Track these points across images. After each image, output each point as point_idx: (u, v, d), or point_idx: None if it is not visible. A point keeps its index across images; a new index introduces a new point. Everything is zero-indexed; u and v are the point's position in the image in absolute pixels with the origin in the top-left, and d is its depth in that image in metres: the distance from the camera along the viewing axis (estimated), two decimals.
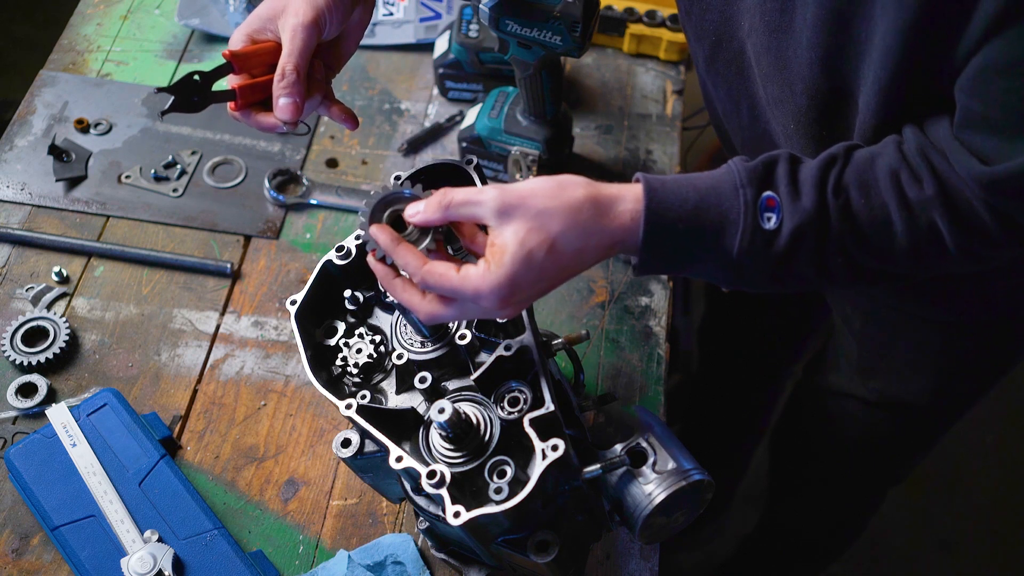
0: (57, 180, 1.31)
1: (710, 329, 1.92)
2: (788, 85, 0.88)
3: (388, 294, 0.88)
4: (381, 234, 0.77)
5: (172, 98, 0.85)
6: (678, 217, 0.76)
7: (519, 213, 0.75)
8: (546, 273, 0.76)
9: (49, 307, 1.20)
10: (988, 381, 1.23)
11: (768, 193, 0.77)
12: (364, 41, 1.49)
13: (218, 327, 1.21)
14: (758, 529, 1.93)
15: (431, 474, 0.77)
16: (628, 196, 0.77)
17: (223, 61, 0.87)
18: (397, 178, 0.96)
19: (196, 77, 0.85)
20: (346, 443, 0.87)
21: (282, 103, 0.85)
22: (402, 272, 0.79)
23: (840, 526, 1.70)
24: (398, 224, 0.80)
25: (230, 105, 0.87)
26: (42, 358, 1.14)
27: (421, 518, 0.95)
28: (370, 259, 0.80)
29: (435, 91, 1.44)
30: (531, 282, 0.76)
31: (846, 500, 1.60)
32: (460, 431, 0.82)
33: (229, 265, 1.24)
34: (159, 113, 0.99)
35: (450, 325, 0.90)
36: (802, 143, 0.93)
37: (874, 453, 1.42)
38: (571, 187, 0.77)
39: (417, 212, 0.78)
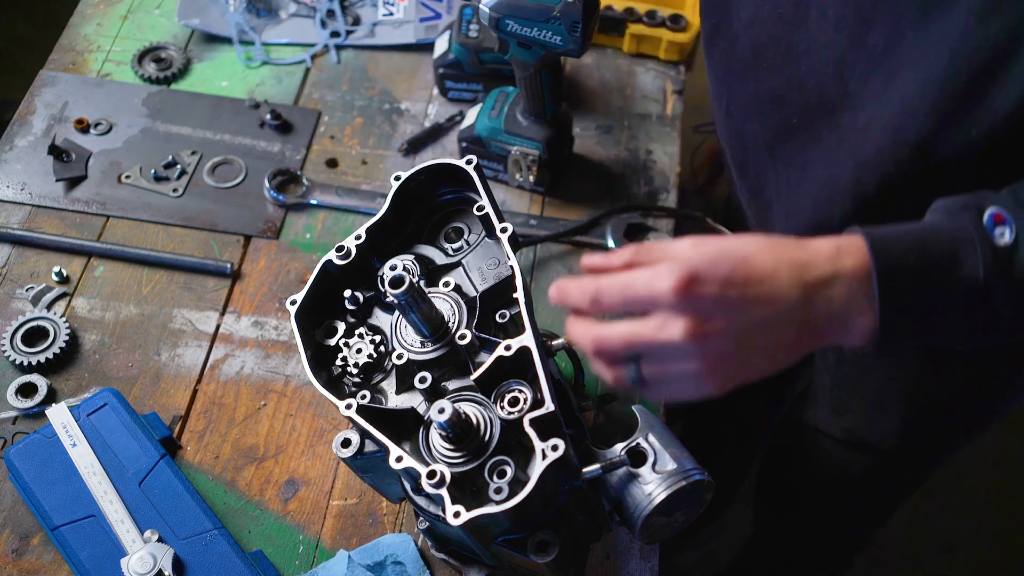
0: (57, 180, 1.31)
1: None
2: (786, 83, 0.86)
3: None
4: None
5: None
6: (905, 248, 0.67)
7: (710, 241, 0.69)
8: (736, 281, 0.66)
9: (49, 307, 1.20)
10: (960, 431, 1.18)
11: (993, 209, 0.68)
12: (364, 41, 1.50)
13: (218, 327, 1.21)
14: (747, 552, 1.93)
15: (431, 474, 0.77)
16: (830, 242, 0.69)
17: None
18: (397, 178, 0.96)
19: None
20: (346, 443, 0.87)
21: None
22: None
23: (826, 561, 1.68)
24: None
25: None
26: (42, 358, 1.14)
27: (421, 518, 0.95)
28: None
29: (435, 91, 1.44)
30: (716, 280, 0.65)
31: (830, 536, 1.58)
32: (460, 431, 0.82)
33: (229, 265, 1.24)
34: None
35: (450, 325, 0.90)
36: (786, 156, 0.91)
37: (851, 493, 1.38)
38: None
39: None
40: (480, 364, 0.85)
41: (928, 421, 1.15)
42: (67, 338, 1.16)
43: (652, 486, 0.85)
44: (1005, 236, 0.67)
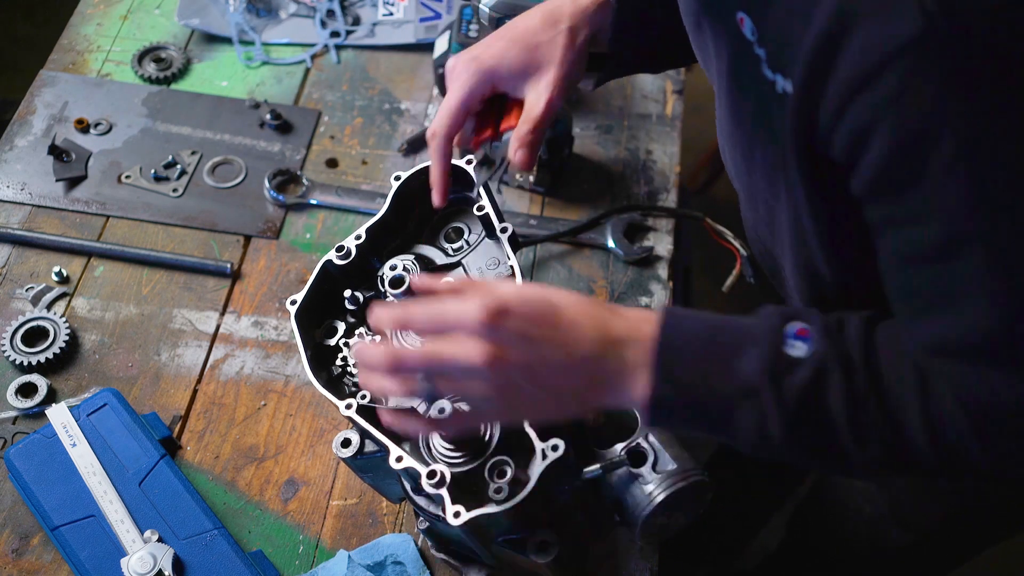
0: (57, 180, 1.31)
1: None
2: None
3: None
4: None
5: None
6: (696, 331, 0.71)
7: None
8: (541, 322, 0.71)
9: (49, 307, 1.20)
10: (1002, 527, 1.18)
11: (799, 324, 0.70)
12: (364, 41, 1.50)
13: (218, 327, 1.21)
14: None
15: (431, 474, 0.77)
16: (641, 311, 0.75)
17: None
18: (397, 178, 0.96)
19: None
20: (346, 443, 0.87)
21: (521, 155, 0.92)
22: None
23: None
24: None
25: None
26: (42, 358, 1.14)
27: (421, 518, 0.95)
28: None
29: (435, 91, 1.43)
30: (523, 317, 0.70)
31: None
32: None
33: (229, 265, 1.24)
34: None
35: None
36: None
37: (887, 566, 1.39)
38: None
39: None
40: None
41: (971, 513, 1.16)
42: (67, 338, 1.16)
43: (652, 486, 0.85)
44: (797, 350, 0.69)
